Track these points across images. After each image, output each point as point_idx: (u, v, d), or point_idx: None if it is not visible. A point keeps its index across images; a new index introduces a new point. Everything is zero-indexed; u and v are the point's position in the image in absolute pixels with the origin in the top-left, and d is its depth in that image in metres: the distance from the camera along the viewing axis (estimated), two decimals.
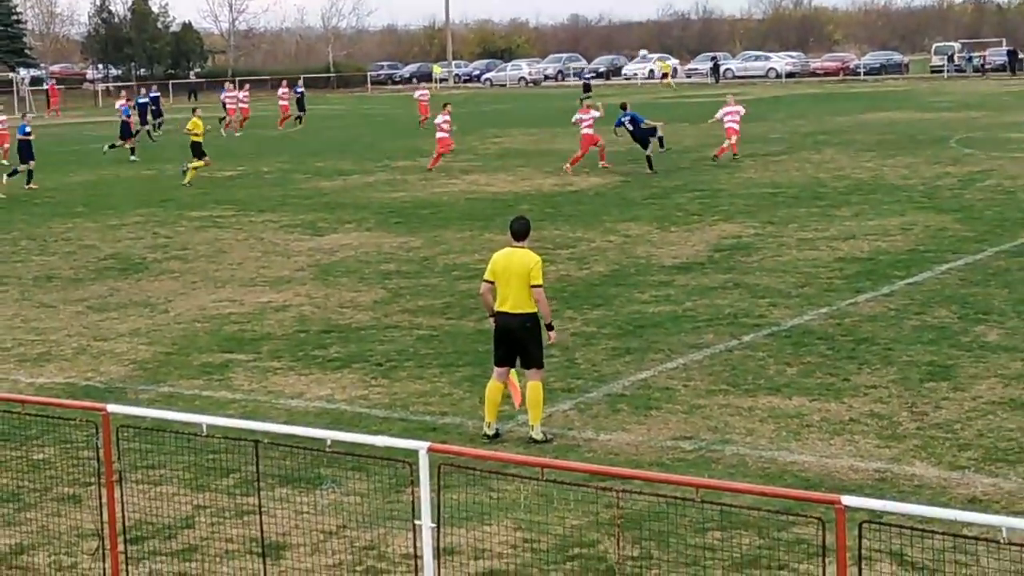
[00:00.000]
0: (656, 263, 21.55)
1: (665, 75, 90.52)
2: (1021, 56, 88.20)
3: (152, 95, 58.86)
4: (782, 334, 16.29)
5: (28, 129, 36.78)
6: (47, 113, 75.16)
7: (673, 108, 59.90)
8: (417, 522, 8.14)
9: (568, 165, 35.22)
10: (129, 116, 46.75)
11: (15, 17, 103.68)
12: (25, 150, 36.30)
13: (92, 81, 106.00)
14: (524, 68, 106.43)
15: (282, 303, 19.54)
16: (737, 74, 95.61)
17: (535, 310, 12.33)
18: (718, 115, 37.74)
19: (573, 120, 36.90)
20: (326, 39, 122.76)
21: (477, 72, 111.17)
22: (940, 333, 15.99)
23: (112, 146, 45.44)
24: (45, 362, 16.52)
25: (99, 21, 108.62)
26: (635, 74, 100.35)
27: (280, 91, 61.69)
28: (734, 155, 36.42)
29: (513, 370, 12.72)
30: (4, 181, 35.85)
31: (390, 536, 10.12)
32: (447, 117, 37.59)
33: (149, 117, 55.37)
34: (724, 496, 8.53)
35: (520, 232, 12.55)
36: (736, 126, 36.87)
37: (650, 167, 34.31)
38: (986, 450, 11.69)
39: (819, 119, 51.52)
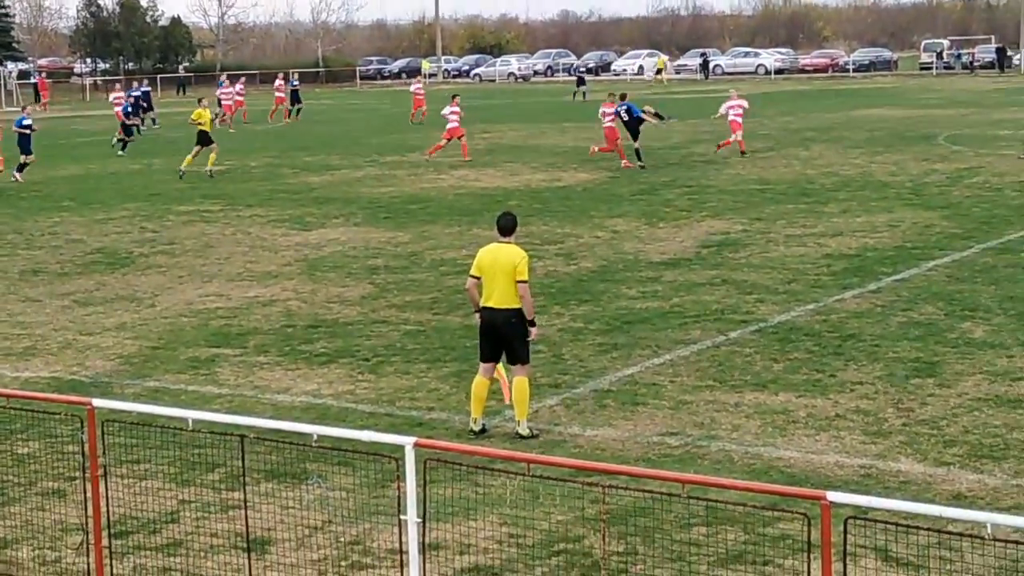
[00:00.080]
0: (644, 259, 21.55)
1: (659, 71, 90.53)
2: (1010, 53, 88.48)
3: (143, 89, 58.84)
4: (769, 330, 16.31)
5: (28, 121, 36.60)
6: (38, 107, 74.99)
7: (662, 104, 59.83)
8: (403, 517, 8.13)
9: (595, 148, 35.75)
10: (129, 112, 46.93)
11: (3, 11, 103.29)
12: (24, 143, 36.15)
13: (80, 75, 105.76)
14: (513, 64, 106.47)
15: (269, 298, 19.51)
16: (726, 70, 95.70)
17: (521, 306, 12.32)
18: (722, 110, 37.62)
19: (599, 113, 36.70)
20: (315, 34, 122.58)
21: (466, 67, 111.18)
22: (926, 330, 16.02)
23: (123, 144, 45.25)
24: (30, 356, 16.47)
25: (87, 15, 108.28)
26: (624, 70, 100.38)
27: (276, 83, 62.39)
28: (742, 152, 36.33)
29: (501, 364, 12.72)
30: (20, 177, 35.76)
31: (376, 531, 10.11)
32: (455, 108, 37.64)
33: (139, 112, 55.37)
34: (710, 492, 8.55)
35: (507, 228, 12.54)
36: (740, 120, 36.86)
37: (639, 158, 34.32)
38: (971, 446, 11.72)
39: (808, 116, 51.60)
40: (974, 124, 45.29)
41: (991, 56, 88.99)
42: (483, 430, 12.56)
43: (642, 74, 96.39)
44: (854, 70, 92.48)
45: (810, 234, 23.33)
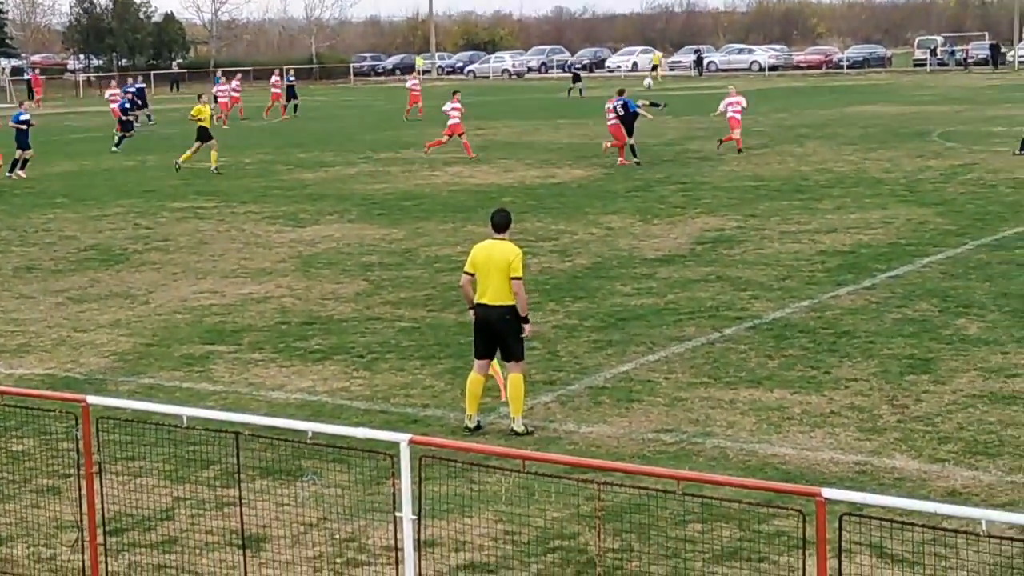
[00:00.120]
0: (638, 256, 21.56)
1: (655, 67, 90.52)
2: (1003, 50, 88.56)
3: (138, 86, 58.84)
4: (763, 327, 16.31)
5: (25, 116, 36.50)
6: (32, 103, 74.89)
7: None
8: (398, 514, 8.13)
9: (607, 144, 35.65)
10: (127, 108, 47.00)
11: None
12: (22, 138, 36.07)
13: (73, 71, 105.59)
14: (507, 60, 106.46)
15: (263, 295, 19.50)
16: (720, 67, 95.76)
17: (515, 302, 12.31)
18: (721, 107, 37.65)
19: (605, 109, 36.62)
20: (309, 30, 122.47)
21: (460, 64, 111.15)
22: (921, 326, 16.03)
23: (119, 140, 45.21)
24: (25, 353, 16.45)
25: (80, 11, 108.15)
26: (618, 66, 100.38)
27: (272, 80, 62.73)
28: (739, 150, 36.36)
29: (496, 361, 12.71)
30: (20, 174, 35.71)
31: (371, 528, 10.10)
32: (456, 104, 37.62)
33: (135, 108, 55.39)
34: (705, 488, 8.55)
35: (501, 224, 12.53)
36: (739, 116, 36.86)
37: (634, 155, 34.32)
38: (966, 443, 11.73)
39: (802, 112, 51.62)
40: (968, 121, 45.33)
41: (985, 53, 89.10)
42: (478, 427, 12.56)
43: (636, 70, 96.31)
44: (848, 67, 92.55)
45: (804, 231, 23.34)
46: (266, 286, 20.13)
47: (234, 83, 61.02)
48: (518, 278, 12.27)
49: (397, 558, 8.39)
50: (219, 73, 66.78)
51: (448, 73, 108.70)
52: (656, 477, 8.48)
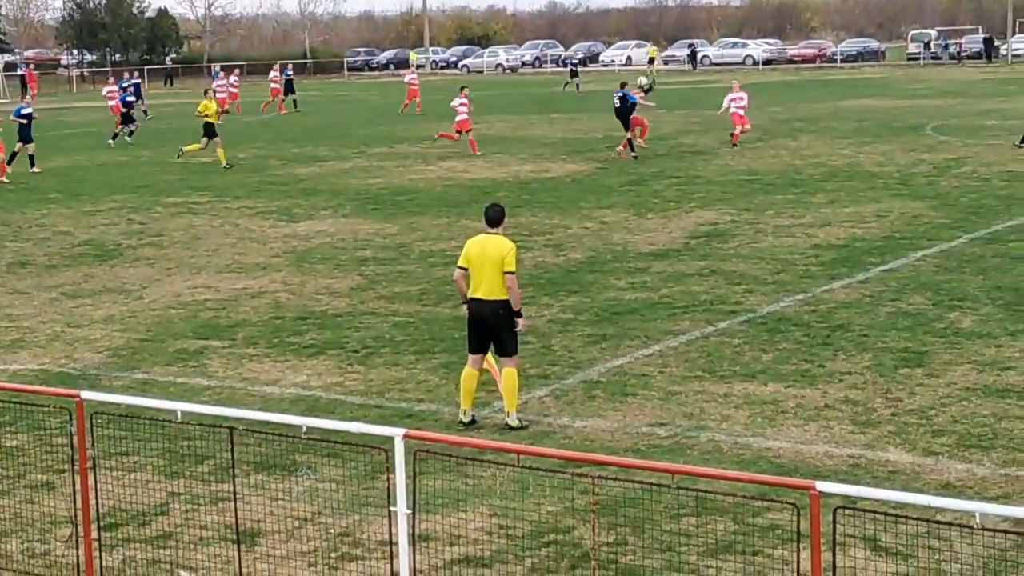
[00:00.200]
0: (632, 250, 21.56)
1: (652, 60, 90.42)
2: (997, 43, 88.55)
3: (134, 81, 58.79)
4: (758, 321, 16.33)
5: (27, 110, 36.39)
6: (28, 99, 74.76)
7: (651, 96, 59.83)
8: (393, 508, 8.13)
9: (640, 140, 35.40)
10: (131, 102, 47.09)
11: None
12: (24, 132, 35.99)
13: (67, 67, 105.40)
14: (501, 55, 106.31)
15: (258, 289, 19.48)
16: (714, 61, 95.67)
17: (508, 297, 12.30)
18: (725, 103, 37.57)
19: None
20: (303, 25, 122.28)
21: (454, 58, 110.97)
22: (915, 320, 16.05)
23: (115, 135, 45.17)
24: (18, 348, 16.43)
25: (73, 6, 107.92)
26: (612, 61, 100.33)
27: (271, 75, 62.89)
28: (733, 144, 36.38)
29: (490, 354, 12.71)
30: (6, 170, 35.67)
31: (365, 523, 10.10)
32: (464, 100, 37.61)
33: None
34: (699, 482, 8.55)
35: (495, 219, 12.53)
36: (741, 112, 36.84)
37: (631, 148, 34.30)
38: (960, 436, 11.75)
39: (796, 106, 51.62)
40: (961, 114, 45.36)
41: (978, 46, 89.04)
42: (472, 421, 12.56)
43: (630, 64, 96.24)
44: (842, 60, 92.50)
45: (799, 224, 23.35)
46: (260, 281, 20.12)
47: (232, 78, 61.02)
48: (511, 272, 12.27)
49: (392, 552, 8.39)
50: (218, 68, 66.86)
51: (442, 68, 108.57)
52: (650, 471, 8.48)
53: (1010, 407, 12.53)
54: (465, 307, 12.65)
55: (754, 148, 36.14)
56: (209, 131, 36.50)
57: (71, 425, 9.02)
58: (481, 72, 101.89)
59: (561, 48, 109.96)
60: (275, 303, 18.49)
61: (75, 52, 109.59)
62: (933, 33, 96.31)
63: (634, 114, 34.94)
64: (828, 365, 14.21)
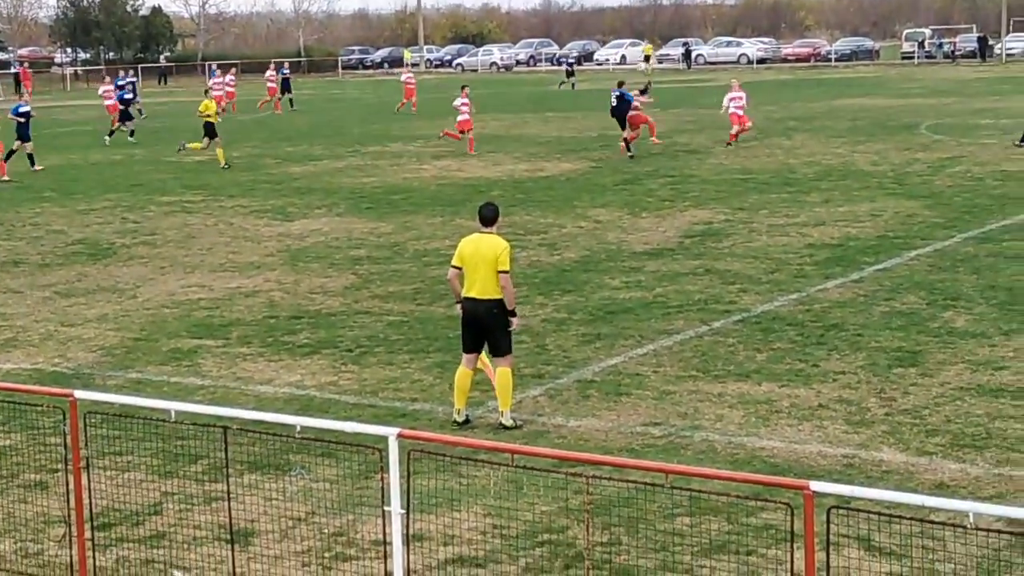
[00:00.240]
0: (627, 249, 21.56)
1: (647, 57, 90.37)
2: (991, 43, 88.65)
3: (130, 80, 58.75)
4: (752, 320, 16.33)
5: (25, 108, 36.30)
6: (26, 96, 74.68)
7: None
8: (386, 508, 8.12)
9: (654, 138, 35.62)
10: (130, 99, 47.14)
11: None
12: (22, 130, 35.93)
13: (60, 65, 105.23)
14: (496, 53, 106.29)
15: (252, 289, 19.47)
16: (709, 60, 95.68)
17: (502, 296, 12.30)
18: (725, 103, 37.52)
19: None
20: (297, 23, 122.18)
21: (448, 57, 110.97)
22: (909, 319, 16.06)
23: (131, 132, 45.16)
24: (12, 348, 16.41)
25: (67, 4, 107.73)
26: (607, 59, 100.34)
27: (267, 74, 62.91)
28: (727, 143, 36.39)
29: (484, 353, 12.70)
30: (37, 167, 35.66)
31: (359, 522, 10.10)
32: (465, 100, 37.59)
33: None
34: (693, 482, 8.55)
35: (488, 218, 12.52)
36: (740, 112, 36.83)
37: (628, 148, 34.28)
38: (953, 436, 11.75)
39: (790, 105, 51.64)
40: (956, 113, 45.39)
41: (972, 45, 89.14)
42: (466, 421, 12.56)
43: (624, 63, 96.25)
44: (836, 59, 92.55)
45: (793, 224, 23.36)
46: (254, 280, 20.10)
47: (228, 77, 60.97)
48: (505, 272, 12.26)
49: (386, 552, 8.39)
50: (215, 66, 66.94)
51: (436, 66, 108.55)
52: (644, 470, 8.48)
53: (1004, 407, 12.54)
54: (459, 306, 12.64)
55: (748, 147, 36.15)
56: (210, 131, 36.46)
57: (64, 424, 9.01)
58: (475, 71, 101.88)
59: (555, 47, 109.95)
60: (269, 302, 18.48)
61: (69, 50, 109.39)
62: (927, 32, 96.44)
63: (636, 113, 34.91)
64: (822, 365, 14.21)
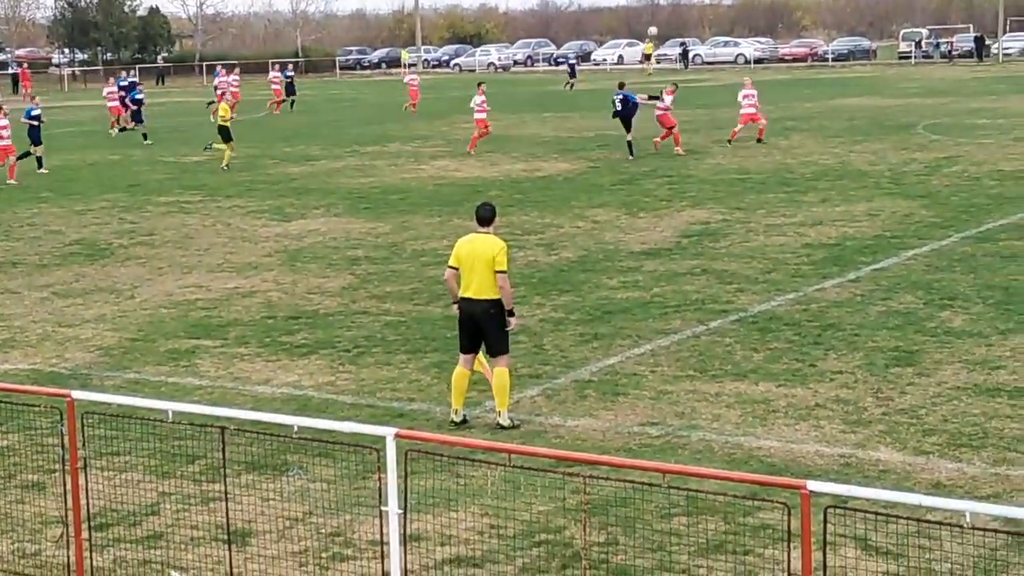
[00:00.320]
0: (624, 249, 21.57)
1: (648, 56, 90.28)
2: (988, 42, 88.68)
3: (132, 79, 58.71)
4: (749, 320, 16.34)
5: (37, 112, 36.28)
6: (24, 98, 74.66)
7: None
8: (384, 508, 8.13)
9: (678, 147, 35.31)
10: (139, 99, 47.23)
11: None
12: (34, 134, 35.88)
13: (58, 65, 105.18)
14: (493, 53, 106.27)
15: (249, 289, 19.47)
16: (706, 60, 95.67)
17: (499, 296, 12.30)
18: (740, 100, 37.46)
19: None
20: (294, 23, 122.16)
21: (446, 57, 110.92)
22: (905, 319, 16.07)
23: (145, 136, 45.11)
24: (9, 348, 16.41)
25: (65, 5, 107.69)
26: (604, 60, 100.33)
27: (271, 75, 62.94)
28: (728, 141, 36.40)
29: (481, 354, 12.71)
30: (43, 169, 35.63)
31: (357, 522, 10.10)
32: (483, 97, 37.53)
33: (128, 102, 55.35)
34: (690, 481, 8.56)
35: (485, 218, 12.53)
36: (752, 110, 36.80)
37: (630, 152, 34.25)
38: (950, 435, 11.76)
39: (787, 105, 51.62)
40: (953, 113, 45.41)
41: (969, 45, 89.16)
42: (464, 421, 12.56)
43: (622, 63, 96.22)
44: (833, 59, 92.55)
45: (790, 223, 23.38)
46: (252, 280, 20.11)
47: (232, 76, 60.86)
48: (503, 272, 12.27)
49: (383, 552, 8.39)
50: (219, 66, 67.08)
51: (434, 67, 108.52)
52: (641, 470, 8.49)
53: (1000, 406, 12.55)
54: (456, 306, 12.65)
55: (746, 147, 36.16)
56: (225, 135, 36.29)
57: (62, 425, 9.01)
58: (473, 71, 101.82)
59: (553, 47, 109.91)
60: (267, 302, 18.48)
61: (66, 51, 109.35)
62: (924, 32, 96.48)
63: (664, 113, 34.86)
64: (819, 364, 14.23)
